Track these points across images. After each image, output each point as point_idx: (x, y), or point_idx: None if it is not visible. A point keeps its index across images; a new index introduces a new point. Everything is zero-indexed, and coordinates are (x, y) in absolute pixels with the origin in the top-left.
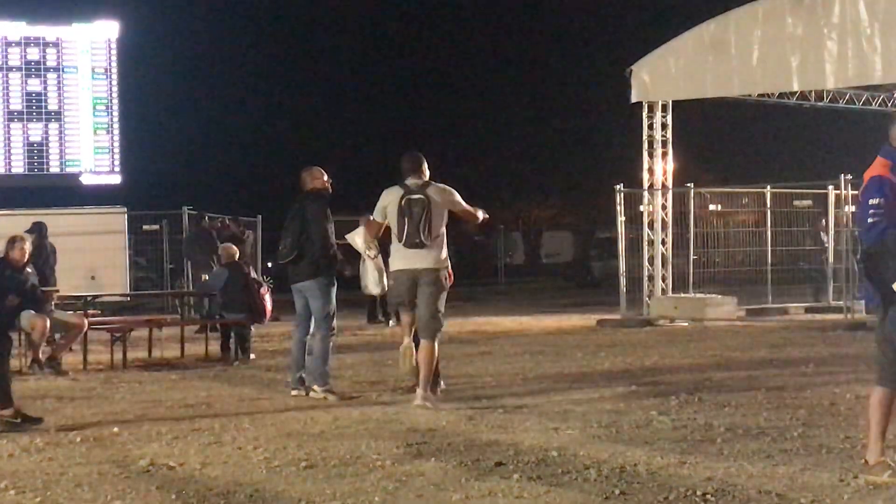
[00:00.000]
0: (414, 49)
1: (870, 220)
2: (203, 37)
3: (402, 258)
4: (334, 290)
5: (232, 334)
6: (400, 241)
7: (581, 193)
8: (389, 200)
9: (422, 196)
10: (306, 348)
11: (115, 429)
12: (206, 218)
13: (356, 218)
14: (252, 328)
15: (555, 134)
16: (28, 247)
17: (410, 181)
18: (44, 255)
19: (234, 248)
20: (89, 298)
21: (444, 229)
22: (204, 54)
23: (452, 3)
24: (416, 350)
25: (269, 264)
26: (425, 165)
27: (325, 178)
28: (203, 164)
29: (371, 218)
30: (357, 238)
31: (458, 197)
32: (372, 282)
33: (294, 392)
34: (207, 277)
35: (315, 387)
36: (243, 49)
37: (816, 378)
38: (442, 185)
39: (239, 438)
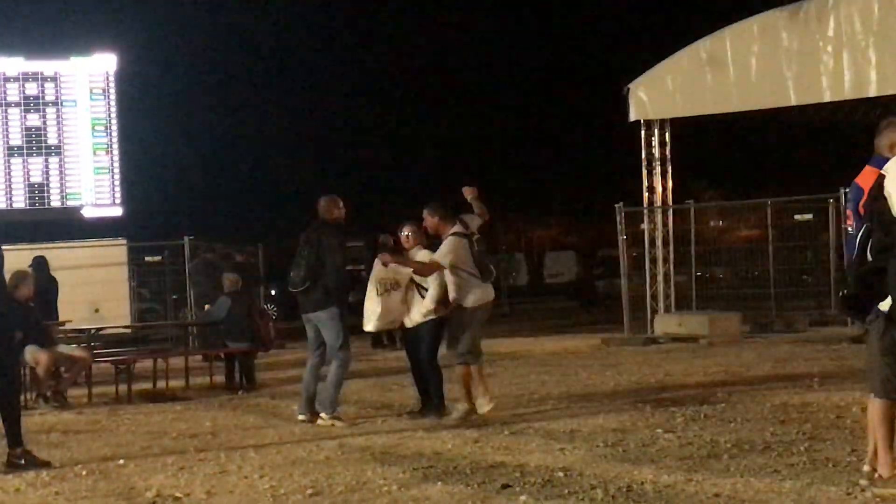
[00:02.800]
0: (413, 73)
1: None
2: (201, 67)
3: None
4: (345, 319)
5: (236, 363)
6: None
7: (583, 213)
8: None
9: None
10: (318, 376)
11: (121, 461)
12: (213, 250)
13: (359, 243)
14: (256, 357)
15: (555, 154)
16: (31, 283)
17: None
18: (45, 289)
19: (237, 276)
20: (93, 331)
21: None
22: (202, 84)
23: (451, 22)
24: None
25: (273, 292)
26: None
27: (342, 207)
28: (203, 195)
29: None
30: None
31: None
32: (374, 317)
33: (301, 417)
34: (210, 307)
35: (323, 414)
36: (242, 78)
37: (822, 392)
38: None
39: (245, 467)
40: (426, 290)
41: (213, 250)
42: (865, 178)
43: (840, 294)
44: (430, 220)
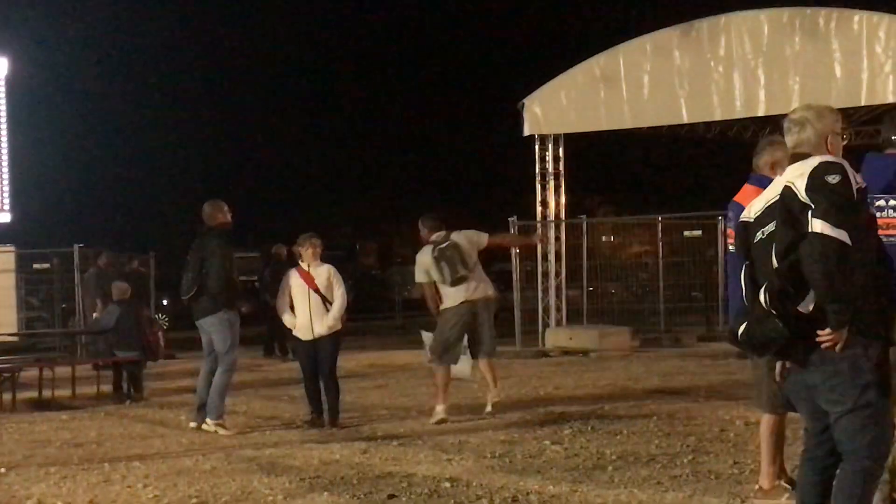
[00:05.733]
0: (303, 81)
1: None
2: (94, 72)
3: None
4: (236, 326)
5: (124, 373)
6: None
7: (477, 226)
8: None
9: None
10: (211, 382)
11: (2, 470)
12: (104, 256)
13: (255, 254)
14: (145, 366)
15: (450, 168)
16: None
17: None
18: None
19: (126, 285)
20: None
21: None
22: (94, 90)
23: (347, 35)
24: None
25: (165, 301)
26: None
27: (228, 212)
28: (95, 202)
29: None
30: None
31: None
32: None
33: (193, 424)
34: (98, 315)
35: (208, 419)
36: (134, 85)
37: (707, 406)
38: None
39: (129, 476)
40: (331, 303)
41: (103, 258)
42: (745, 196)
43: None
44: (421, 231)
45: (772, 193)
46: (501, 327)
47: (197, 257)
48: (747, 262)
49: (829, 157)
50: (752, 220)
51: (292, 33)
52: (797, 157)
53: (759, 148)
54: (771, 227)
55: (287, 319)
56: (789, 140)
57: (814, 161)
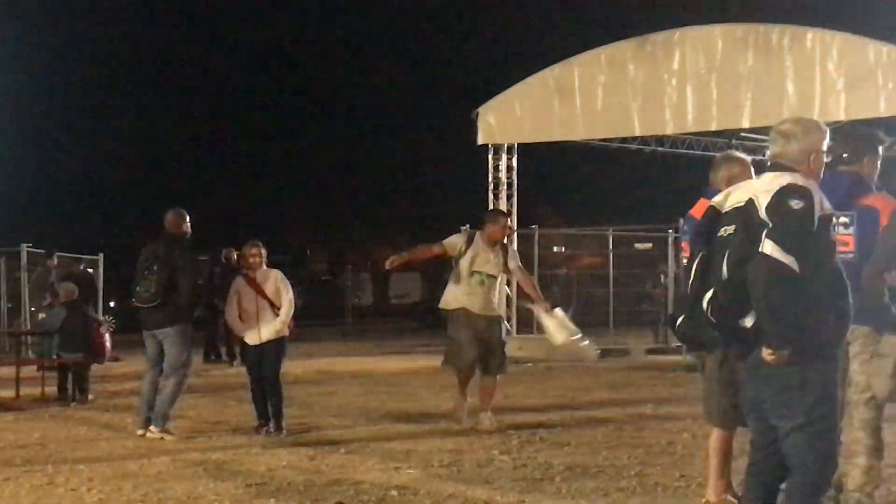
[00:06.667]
0: (267, 87)
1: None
2: (39, 71)
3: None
4: (192, 337)
5: (69, 374)
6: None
7: (429, 235)
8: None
9: None
10: (157, 390)
11: None
12: (54, 257)
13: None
14: (90, 368)
15: (403, 175)
16: None
17: None
18: None
19: (73, 286)
20: None
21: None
22: (41, 90)
23: (300, 40)
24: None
25: (112, 303)
26: None
27: (189, 222)
28: (43, 203)
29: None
30: None
31: None
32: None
33: (140, 432)
34: (44, 316)
35: (152, 427)
36: (82, 85)
37: (655, 418)
38: None
39: (73, 479)
40: (279, 308)
41: (53, 259)
42: (700, 211)
43: (683, 318)
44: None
45: (742, 195)
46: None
47: (164, 266)
48: (704, 253)
49: (799, 180)
50: (723, 212)
51: (240, 34)
52: (776, 166)
53: (715, 163)
54: (732, 229)
55: (237, 327)
56: (773, 149)
57: (784, 180)
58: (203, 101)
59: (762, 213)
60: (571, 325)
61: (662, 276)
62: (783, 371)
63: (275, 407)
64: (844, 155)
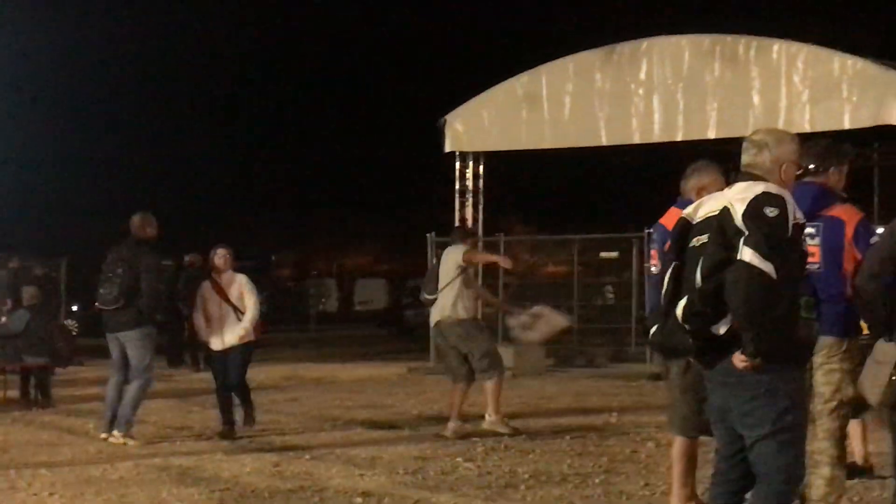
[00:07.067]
0: (233, 93)
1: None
2: (11, 71)
3: None
4: (154, 340)
5: (32, 378)
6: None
7: (395, 241)
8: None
9: None
10: (122, 394)
11: None
12: (15, 258)
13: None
14: (53, 372)
15: (369, 182)
16: None
17: None
18: None
19: (36, 289)
20: None
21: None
22: (13, 89)
23: (266, 45)
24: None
25: (75, 307)
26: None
27: (156, 226)
28: (4, 205)
29: None
30: None
31: None
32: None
33: (103, 435)
34: (6, 319)
35: (115, 431)
36: (45, 89)
37: (619, 426)
38: None
39: (35, 484)
40: (243, 313)
41: (15, 261)
42: (670, 219)
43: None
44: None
45: (715, 205)
46: (417, 343)
47: (129, 269)
48: (676, 263)
49: (773, 189)
50: (694, 223)
51: (209, 40)
52: (748, 176)
53: (687, 172)
54: (705, 238)
55: (202, 332)
56: (744, 158)
57: (758, 188)
58: (169, 107)
59: (738, 221)
60: (527, 316)
61: (610, 287)
62: (752, 379)
63: (246, 409)
64: (811, 166)
